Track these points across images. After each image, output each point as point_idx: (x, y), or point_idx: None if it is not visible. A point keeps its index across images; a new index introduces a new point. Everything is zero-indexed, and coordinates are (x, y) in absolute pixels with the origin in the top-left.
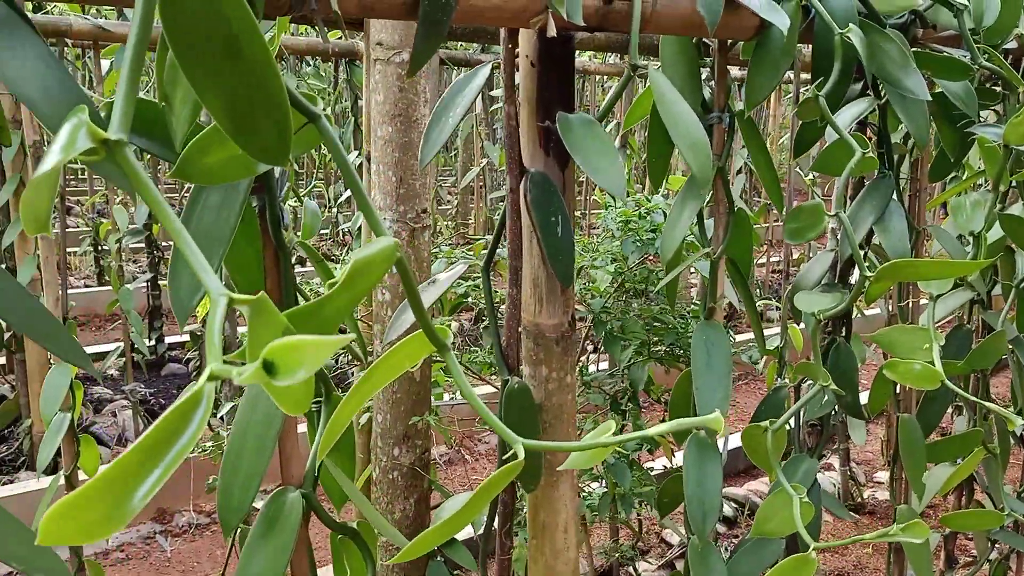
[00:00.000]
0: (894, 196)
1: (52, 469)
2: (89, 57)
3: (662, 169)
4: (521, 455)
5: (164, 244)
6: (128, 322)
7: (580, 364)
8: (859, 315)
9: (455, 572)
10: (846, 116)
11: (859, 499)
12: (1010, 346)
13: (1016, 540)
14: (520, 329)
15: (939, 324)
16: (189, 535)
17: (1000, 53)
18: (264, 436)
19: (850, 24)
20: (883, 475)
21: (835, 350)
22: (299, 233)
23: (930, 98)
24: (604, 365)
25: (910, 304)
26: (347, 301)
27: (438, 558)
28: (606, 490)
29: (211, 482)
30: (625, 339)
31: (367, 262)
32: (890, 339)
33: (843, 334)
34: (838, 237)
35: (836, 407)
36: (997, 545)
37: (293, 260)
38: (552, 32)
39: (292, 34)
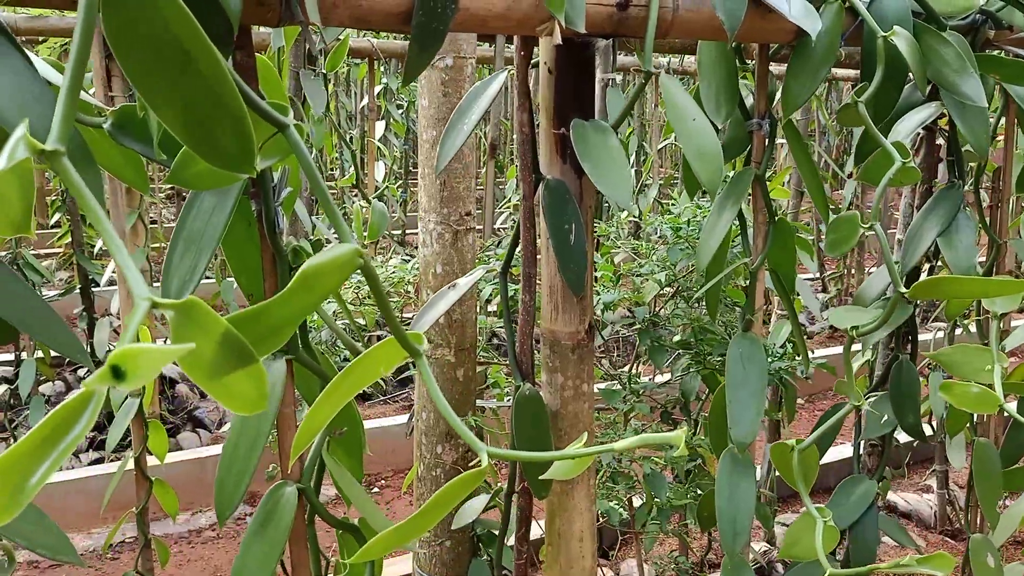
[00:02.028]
0: (963, 207)
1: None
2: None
3: (695, 178)
4: (485, 462)
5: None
6: (229, 313)
7: (629, 373)
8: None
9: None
10: (909, 123)
11: (958, 524)
12: None
13: None
14: (540, 336)
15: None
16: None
17: None
18: (257, 434)
19: (895, 27)
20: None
21: (896, 368)
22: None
23: (985, 104)
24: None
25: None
26: (299, 307)
27: (482, 556)
28: (648, 502)
29: (271, 471)
30: (672, 348)
31: (319, 269)
32: (953, 359)
33: (908, 351)
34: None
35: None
36: None
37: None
38: (558, 39)
39: (391, 38)
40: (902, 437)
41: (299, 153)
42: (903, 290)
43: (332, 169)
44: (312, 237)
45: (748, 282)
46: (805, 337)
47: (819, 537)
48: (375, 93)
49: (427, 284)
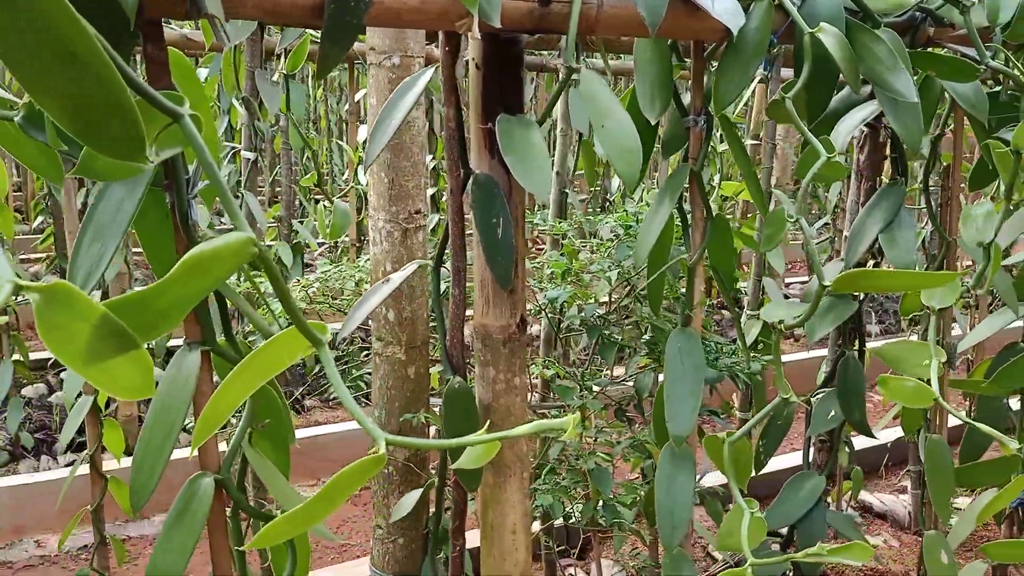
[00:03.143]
0: (904, 204)
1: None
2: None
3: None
4: (382, 449)
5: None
6: None
7: (582, 370)
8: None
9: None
10: (851, 121)
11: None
12: None
13: None
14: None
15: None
16: None
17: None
18: (171, 425)
19: (822, 24)
20: (963, 501)
21: (843, 365)
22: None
23: (915, 100)
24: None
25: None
26: (187, 294)
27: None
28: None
29: None
30: (623, 345)
31: (205, 256)
32: (894, 354)
33: (855, 348)
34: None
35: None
36: None
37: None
38: (476, 35)
39: None
40: (883, 438)
41: (194, 144)
42: (826, 283)
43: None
44: (294, 240)
45: (686, 278)
46: (791, 339)
47: (744, 529)
48: (354, 98)
49: (378, 282)
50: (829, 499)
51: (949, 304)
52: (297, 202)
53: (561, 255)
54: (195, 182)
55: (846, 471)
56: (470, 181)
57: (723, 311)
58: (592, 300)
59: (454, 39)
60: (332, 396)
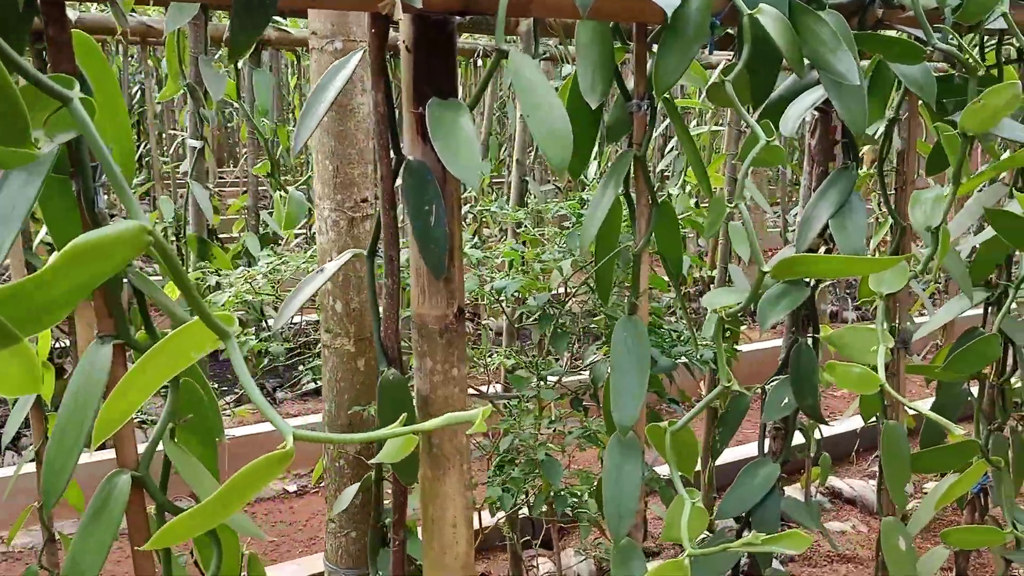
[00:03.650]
0: (854, 189)
1: None
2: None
3: (579, 160)
4: (290, 444)
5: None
6: None
7: (535, 358)
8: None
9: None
10: (800, 105)
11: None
12: None
13: None
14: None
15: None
16: None
17: (981, 34)
18: (81, 421)
19: (762, 5)
20: (932, 485)
21: (796, 351)
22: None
23: (857, 83)
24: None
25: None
26: (73, 285)
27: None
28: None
29: None
30: (575, 335)
31: (91, 246)
32: (843, 340)
33: (809, 334)
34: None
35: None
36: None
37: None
38: (398, 15)
39: None
40: (853, 424)
41: (85, 129)
42: (765, 268)
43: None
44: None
45: (632, 265)
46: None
47: (685, 519)
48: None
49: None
50: (799, 484)
51: (897, 290)
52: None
53: (524, 244)
54: (97, 170)
55: (815, 457)
56: (402, 167)
57: (700, 298)
58: (546, 289)
59: (381, 21)
60: (304, 389)
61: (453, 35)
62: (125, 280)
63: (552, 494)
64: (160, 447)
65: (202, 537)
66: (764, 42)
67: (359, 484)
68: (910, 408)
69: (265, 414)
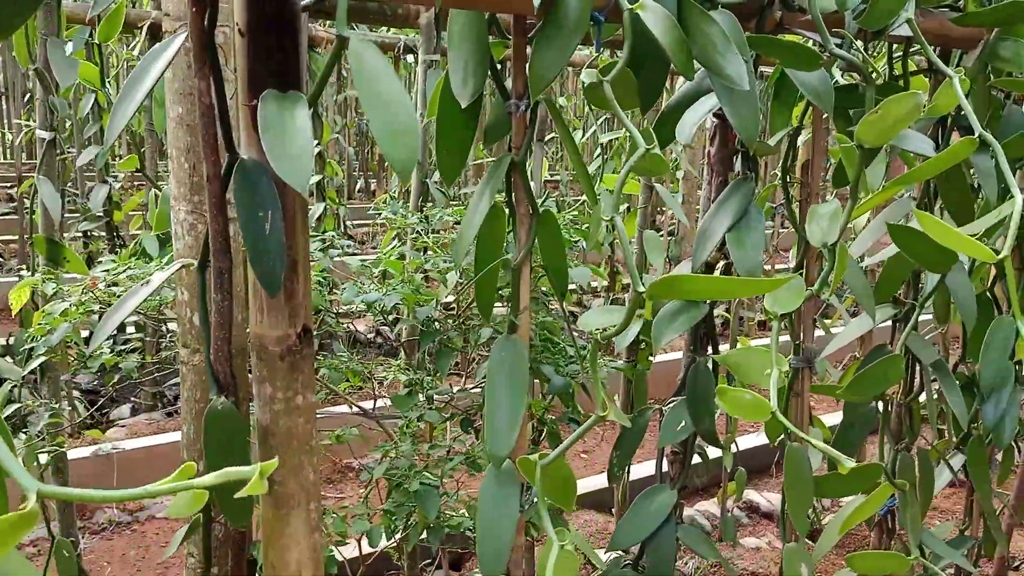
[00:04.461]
0: (753, 201)
1: None
2: None
3: (453, 164)
4: (32, 502)
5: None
6: None
7: (421, 377)
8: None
9: None
10: (697, 112)
11: (817, 525)
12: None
13: None
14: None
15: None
16: (108, 532)
17: (889, 42)
18: None
19: (642, 1)
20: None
21: (693, 372)
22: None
23: (748, 88)
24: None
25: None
26: None
27: None
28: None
29: None
30: (460, 351)
31: None
32: (737, 361)
33: (708, 354)
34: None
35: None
36: None
37: None
38: None
39: None
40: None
41: None
42: (641, 289)
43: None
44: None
45: (511, 279)
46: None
47: (551, 563)
48: None
49: (181, 282)
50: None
51: (792, 309)
52: None
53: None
54: None
55: (731, 472)
56: (235, 167)
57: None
58: (431, 302)
59: (204, 1)
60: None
61: (297, 19)
62: None
63: (430, 525)
64: None
65: None
66: (649, 40)
67: (188, 526)
68: (808, 442)
69: (5, 467)
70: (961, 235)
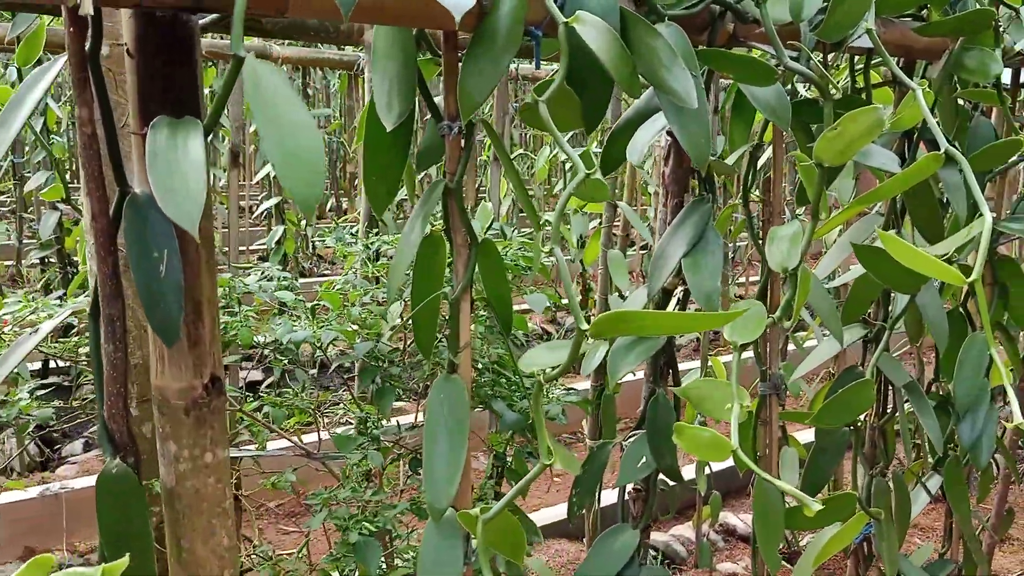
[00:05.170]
0: (711, 224)
1: None
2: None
3: (382, 191)
4: None
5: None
6: None
7: (365, 416)
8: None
9: None
10: (648, 132)
11: (795, 547)
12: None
13: None
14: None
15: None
16: None
17: (850, 54)
18: None
19: (579, 13)
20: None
21: (653, 404)
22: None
23: (696, 105)
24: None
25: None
26: None
27: None
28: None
29: None
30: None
31: None
32: (698, 393)
33: (669, 384)
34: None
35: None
36: None
37: None
38: (87, 10)
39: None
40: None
41: None
42: (584, 327)
43: None
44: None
45: (450, 315)
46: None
47: None
48: None
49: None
50: (691, 524)
51: (751, 340)
52: None
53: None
54: None
55: (705, 496)
56: (124, 203)
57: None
58: (374, 337)
59: (78, 16)
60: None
61: (192, 37)
62: None
63: None
64: None
65: None
66: (589, 56)
67: None
68: (776, 484)
69: None
70: (929, 258)
